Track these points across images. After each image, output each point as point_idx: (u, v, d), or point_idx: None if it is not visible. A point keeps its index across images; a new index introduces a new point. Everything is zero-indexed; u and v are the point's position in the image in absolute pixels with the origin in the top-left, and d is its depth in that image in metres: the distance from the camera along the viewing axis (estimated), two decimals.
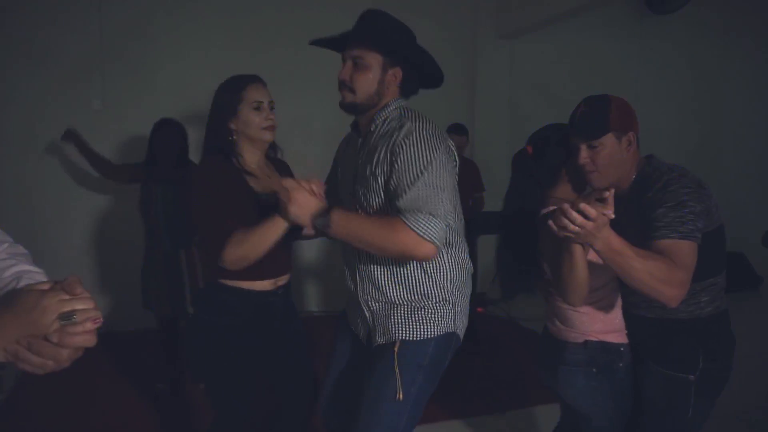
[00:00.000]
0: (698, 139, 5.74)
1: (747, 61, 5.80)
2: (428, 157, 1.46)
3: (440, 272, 1.59)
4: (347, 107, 1.66)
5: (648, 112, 5.47)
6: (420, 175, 1.44)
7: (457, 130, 3.98)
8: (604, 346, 1.58)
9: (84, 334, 0.71)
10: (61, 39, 3.96)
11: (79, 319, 0.70)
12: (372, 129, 1.64)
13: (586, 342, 1.58)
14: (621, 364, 1.58)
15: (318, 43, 1.70)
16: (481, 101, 5.29)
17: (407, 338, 1.56)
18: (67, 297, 0.71)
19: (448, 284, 1.60)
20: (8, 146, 3.95)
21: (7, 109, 3.93)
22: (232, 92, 1.72)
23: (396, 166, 1.48)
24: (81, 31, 4.00)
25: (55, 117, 3.87)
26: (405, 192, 1.45)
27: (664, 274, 1.35)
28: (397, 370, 1.54)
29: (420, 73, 1.67)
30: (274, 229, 1.54)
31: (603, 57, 5.42)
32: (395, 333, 1.58)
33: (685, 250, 1.40)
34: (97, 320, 0.72)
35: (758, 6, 5.63)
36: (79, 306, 0.71)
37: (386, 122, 1.62)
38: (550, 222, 1.30)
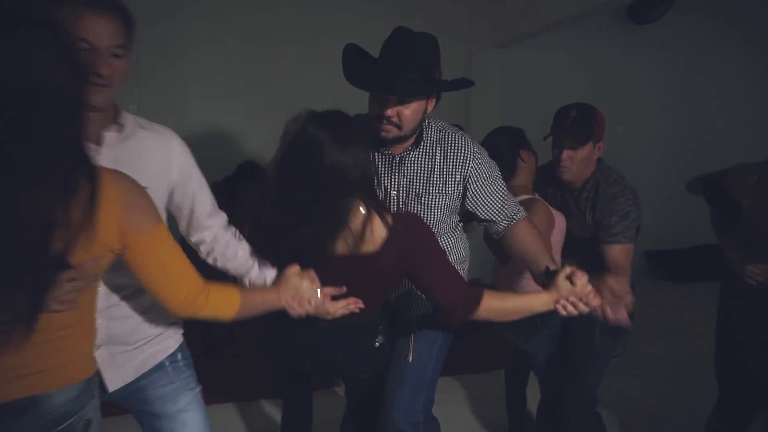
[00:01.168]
0: (678, 141, 6.09)
1: (723, 67, 6.16)
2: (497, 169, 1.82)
3: (456, 252, 1.85)
4: (392, 141, 1.66)
5: (632, 115, 5.90)
6: (503, 187, 1.78)
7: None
8: None
9: (323, 299, 1.47)
10: None
11: (319, 292, 1.46)
12: (415, 149, 1.72)
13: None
14: None
15: (361, 84, 1.63)
16: (476, 106, 5.61)
17: (427, 312, 1.82)
18: (310, 281, 1.44)
19: (460, 262, 1.86)
20: None
21: None
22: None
23: (482, 186, 1.72)
24: None
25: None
26: (505, 203, 1.74)
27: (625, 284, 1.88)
28: (412, 340, 1.79)
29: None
30: (537, 306, 1.52)
31: (589, 65, 5.82)
32: (415, 311, 1.83)
33: (630, 249, 1.92)
34: (323, 292, 1.47)
35: (734, 15, 6.02)
36: (316, 287, 1.46)
37: (428, 139, 1.73)
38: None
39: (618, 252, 1.92)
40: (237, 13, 4.66)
